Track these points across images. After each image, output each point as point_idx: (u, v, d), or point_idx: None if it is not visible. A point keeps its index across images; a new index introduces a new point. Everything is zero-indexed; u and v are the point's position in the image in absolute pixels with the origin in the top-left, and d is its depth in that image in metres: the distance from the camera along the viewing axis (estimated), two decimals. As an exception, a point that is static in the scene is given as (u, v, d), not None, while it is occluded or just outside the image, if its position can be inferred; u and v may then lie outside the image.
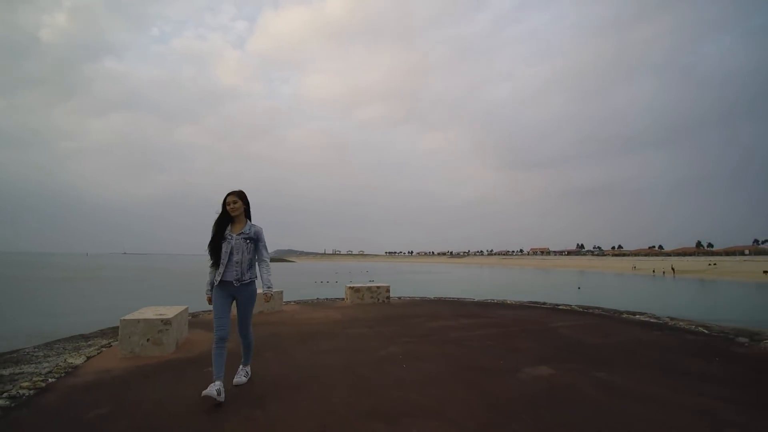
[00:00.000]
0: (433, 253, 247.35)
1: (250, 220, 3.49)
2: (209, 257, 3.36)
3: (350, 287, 9.70)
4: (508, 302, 10.00)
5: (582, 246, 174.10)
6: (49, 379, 3.58)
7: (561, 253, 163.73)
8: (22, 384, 3.41)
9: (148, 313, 4.78)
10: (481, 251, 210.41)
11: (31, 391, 3.26)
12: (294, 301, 9.86)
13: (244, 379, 3.50)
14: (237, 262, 3.30)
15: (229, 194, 3.38)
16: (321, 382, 3.55)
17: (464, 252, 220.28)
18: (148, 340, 4.39)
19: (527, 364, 4.14)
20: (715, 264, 66.32)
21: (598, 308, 8.75)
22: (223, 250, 3.30)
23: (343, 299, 10.04)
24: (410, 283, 36.62)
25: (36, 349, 4.73)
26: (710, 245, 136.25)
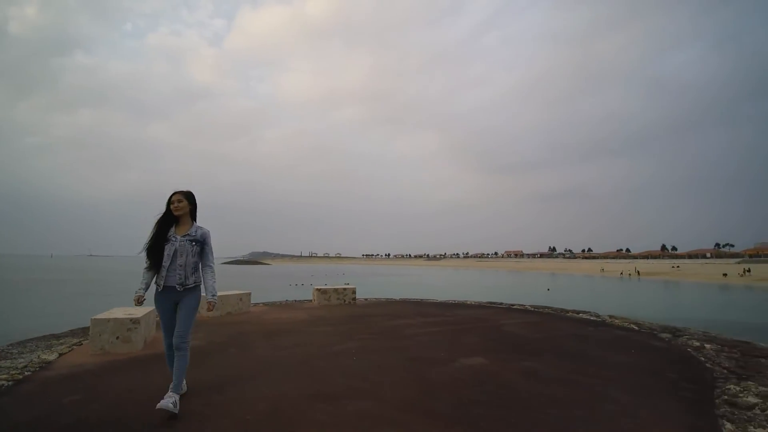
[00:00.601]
0: (410, 255, 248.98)
1: (195, 221, 3.32)
2: (146, 259, 3.15)
3: (317, 289, 10.12)
4: (468, 302, 10.62)
5: (554, 249, 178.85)
6: (26, 372, 3.90)
7: (534, 255, 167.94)
8: (0, 376, 3.71)
9: (118, 312, 5.11)
10: (458, 254, 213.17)
11: (10, 382, 3.58)
12: (263, 303, 10.19)
13: (171, 407, 2.84)
14: (181, 266, 3.13)
15: (174, 193, 3.21)
16: (277, 372, 3.99)
17: (441, 255, 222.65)
18: (117, 337, 4.73)
19: (464, 355, 4.69)
20: (678, 266, 69.70)
21: (549, 308, 9.46)
22: (166, 252, 3.11)
23: (311, 301, 10.44)
24: (383, 285, 37.15)
25: (10, 347, 5.00)
26: (674, 248, 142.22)
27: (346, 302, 9.99)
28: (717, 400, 3.36)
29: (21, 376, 3.78)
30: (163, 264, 3.11)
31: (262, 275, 58.67)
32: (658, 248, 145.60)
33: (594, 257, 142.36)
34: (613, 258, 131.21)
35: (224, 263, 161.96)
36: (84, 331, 5.98)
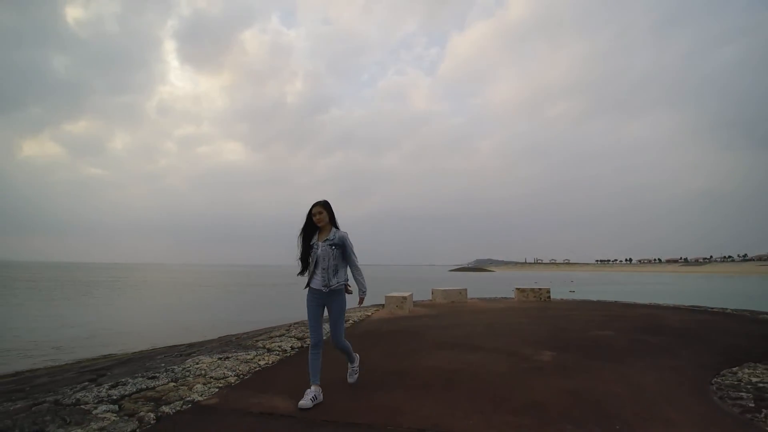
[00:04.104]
0: (658, 260, 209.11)
1: (336, 227, 3.53)
2: (300, 266, 3.51)
3: (518, 288, 13.07)
4: (664, 305, 11.47)
5: None
6: (362, 318, 8.65)
7: None
8: (354, 318, 8.50)
9: (396, 294, 9.66)
10: (730, 257, 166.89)
11: (359, 320, 8.30)
12: (476, 298, 13.83)
13: (355, 377, 3.83)
14: (323, 269, 3.37)
15: (314, 206, 3.45)
16: (471, 327, 7.47)
17: (704, 258, 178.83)
18: (396, 306, 9.22)
19: (597, 330, 6.99)
20: None
21: (748, 311, 9.72)
22: (311, 258, 3.42)
23: (513, 297, 13.45)
24: (608, 291, 35.16)
25: (349, 310, 10.22)
26: None
27: (542, 299, 12.55)
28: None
29: (361, 319, 8.50)
30: (309, 268, 3.45)
31: (484, 280, 62.73)
32: None
33: None
34: None
35: (450, 270, 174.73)
36: (379, 306, 10.96)
